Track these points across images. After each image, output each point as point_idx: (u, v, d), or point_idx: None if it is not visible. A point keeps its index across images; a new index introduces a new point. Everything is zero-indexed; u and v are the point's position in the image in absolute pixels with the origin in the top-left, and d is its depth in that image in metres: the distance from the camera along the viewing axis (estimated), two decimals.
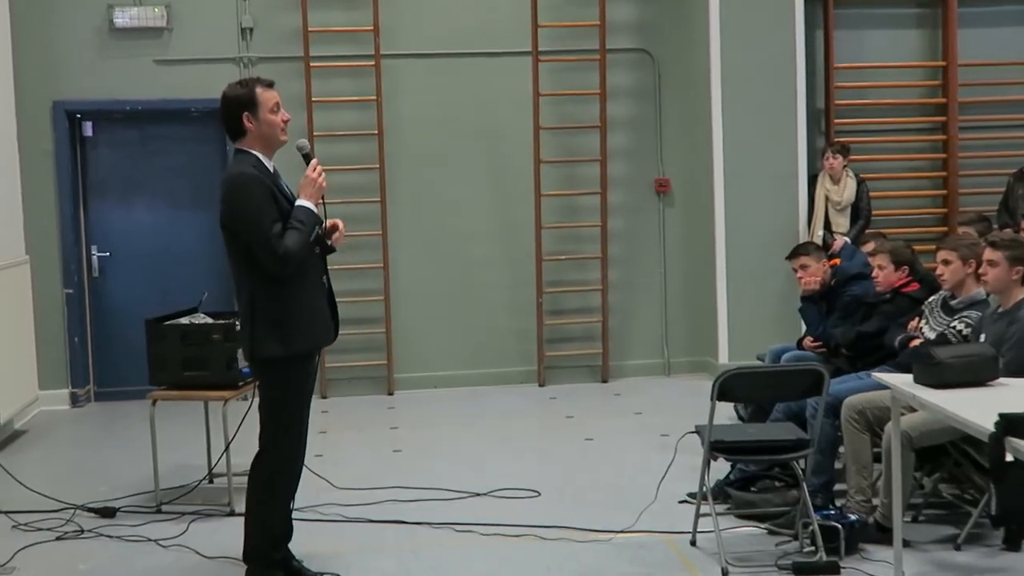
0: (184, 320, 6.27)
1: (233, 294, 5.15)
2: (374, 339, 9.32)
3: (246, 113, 4.53)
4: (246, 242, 4.43)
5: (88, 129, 9.21)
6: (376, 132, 9.14)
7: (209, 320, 6.30)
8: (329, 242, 4.72)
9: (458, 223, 9.43)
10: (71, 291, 9.01)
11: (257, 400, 4.71)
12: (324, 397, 9.13)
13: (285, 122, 4.59)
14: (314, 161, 4.64)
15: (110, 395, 9.19)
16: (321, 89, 9.14)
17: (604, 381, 9.46)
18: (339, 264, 8.96)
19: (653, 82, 9.54)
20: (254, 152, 4.56)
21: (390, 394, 9.24)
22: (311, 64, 9.03)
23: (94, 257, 9.23)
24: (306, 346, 4.57)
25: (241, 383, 5.99)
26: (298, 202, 4.54)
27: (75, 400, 9.05)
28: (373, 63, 9.12)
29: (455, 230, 9.43)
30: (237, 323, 5.28)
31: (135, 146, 9.27)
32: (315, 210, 4.53)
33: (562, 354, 9.53)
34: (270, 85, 4.62)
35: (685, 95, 9.53)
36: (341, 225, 4.79)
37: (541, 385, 9.37)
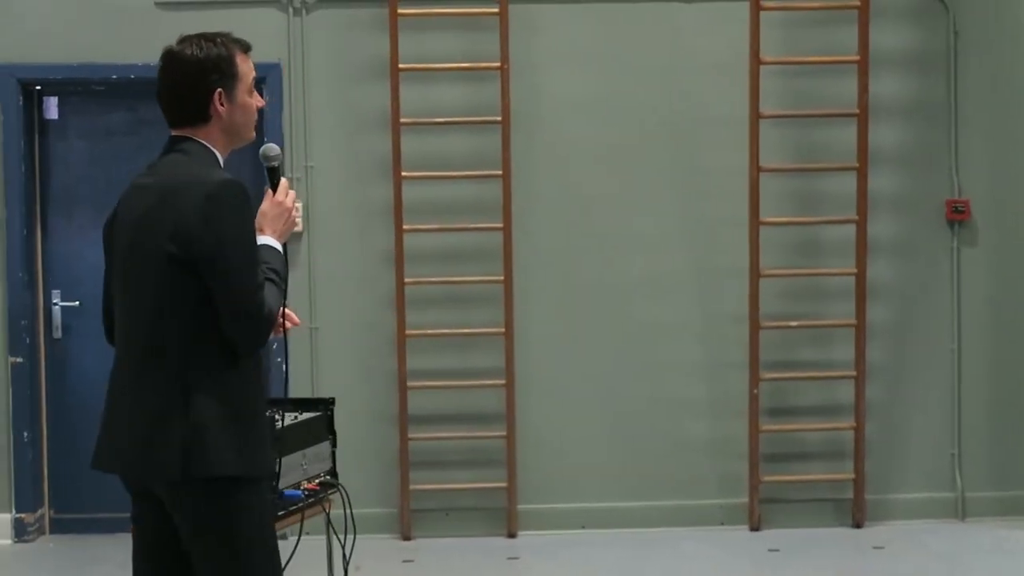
0: None
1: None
2: (487, 449, 9.29)
3: (220, 90, 4.52)
4: (216, 288, 4.41)
5: (52, 109, 9.44)
6: (499, 120, 9.21)
7: None
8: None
9: (625, 267, 9.46)
10: (20, 360, 9.27)
11: (210, 552, 4.48)
12: (407, 539, 9.14)
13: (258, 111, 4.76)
14: (284, 182, 4.76)
15: (73, 524, 9.40)
16: (413, 50, 9.17)
17: (858, 526, 9.40)
18: (427, 326, 8.93)
19: (946, 44, 9.47)
20: (214, 150, 4.54)
21: (511, 536, 9.30)
22: (399, 10, 9.07)
23: (55, 308, 9.48)
24: (271, 463, 4.68)
25: (281, 511, 5.81)
26: (264, 240, 4.59)
27: (21, 531, 9.29)
28: (497, 9, 9.17)
29: (620, 277, 9.46)
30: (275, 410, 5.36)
31: (123, 136, 9.39)
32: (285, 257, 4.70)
33: (790, 479, 9.47)
34: (247, 50, 4.68)
35: (999, 65, 9.49)
36: (295, 317, 4.85)
37: (755, 529, 9.35)
